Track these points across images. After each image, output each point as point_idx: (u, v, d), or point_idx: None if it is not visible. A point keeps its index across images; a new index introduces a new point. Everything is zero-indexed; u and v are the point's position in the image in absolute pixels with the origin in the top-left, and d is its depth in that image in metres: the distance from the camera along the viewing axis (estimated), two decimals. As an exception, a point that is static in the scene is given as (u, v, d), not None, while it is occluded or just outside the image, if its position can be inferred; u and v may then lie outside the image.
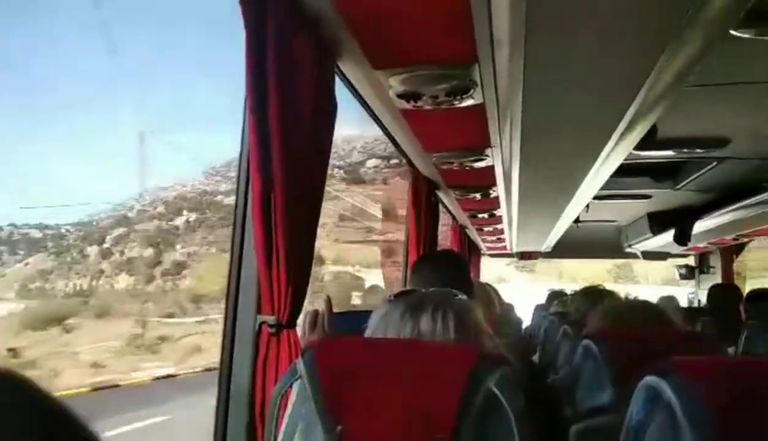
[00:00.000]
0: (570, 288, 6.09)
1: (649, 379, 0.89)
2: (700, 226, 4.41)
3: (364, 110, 2.02)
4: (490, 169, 2.84)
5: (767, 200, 3.31)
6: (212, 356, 21.10)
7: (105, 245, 36.27)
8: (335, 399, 0.96)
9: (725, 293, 4.42)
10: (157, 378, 18.42)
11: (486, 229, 5.22)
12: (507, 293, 2.95)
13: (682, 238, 4.56)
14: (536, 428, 0.97)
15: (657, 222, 4.93)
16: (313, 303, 1.48)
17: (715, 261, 5.95)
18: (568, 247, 6.15)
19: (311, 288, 1.42)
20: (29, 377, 0.42)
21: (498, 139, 2.28)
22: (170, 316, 28.71)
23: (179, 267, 34.86)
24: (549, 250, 6.40)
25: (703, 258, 6.25)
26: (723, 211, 3.88)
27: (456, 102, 1.79)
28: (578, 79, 1.54)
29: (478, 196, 3.58)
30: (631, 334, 1.63)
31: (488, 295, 2.67)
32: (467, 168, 2.78)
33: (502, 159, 2.59)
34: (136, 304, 29.54)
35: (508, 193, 3.31)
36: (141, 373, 19.66)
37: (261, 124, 1.27)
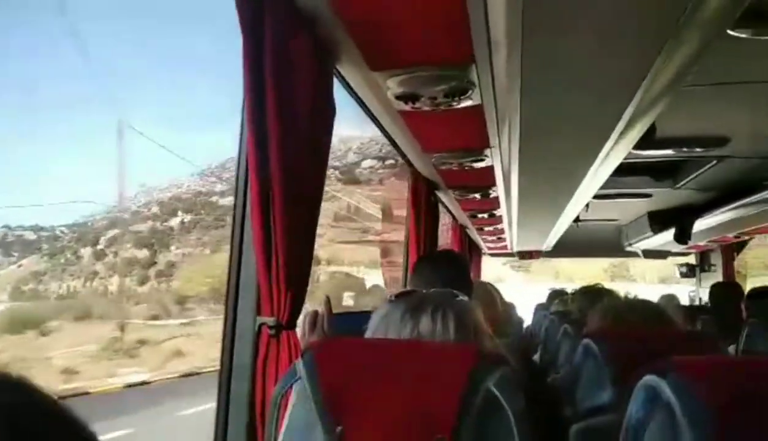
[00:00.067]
0: (566, 287, 6.10)
1: (649, 379, 0.89)
2: (700, 225, 4.41)
3: (363, 111, 2.03)
4: (490, 170, 2.84)
5: (767, 198, 3.31)
6: (195, 360, 20.56)
7: (99, 247, 36.16)
8: (335, 400, 0.96)
9: (727, 291, 4.41)
10: (130, 385, 17.09)
11: (486, 228, 5.22)
12: (503, 293, 2.95)
13: (682, 236, 4.56)
14: (536, 428, 0.97)
15: (657, 221, 4.93)
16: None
17: (716, 259, 5.95)
18: (569, 247, 6.16)
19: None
20: (28, 378, 0.42)
21: (497, 139, 2.28)
22: (155, 318, 28.04)
23: (171, 268, 34.70)
24: (549, 249, 6.40)
25: (703, 256, 6.25)
26: (723, 209, 3.88)
27: (454, 103, 1.80)
28: (576, 79, 1.54)
29: (477, 196, 3.58)
30: (631, 334, 1.63)
31: (490, 294, 2.67)
32: (466, 168, 2.78)
33: (501, 159, 2.59)
34: (121, 306, 28.70)
35: (507, 193, 3.31)
36: (116, 379, 18.27)
37: (259, 125, 1.27)
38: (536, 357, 3.74)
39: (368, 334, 1.14)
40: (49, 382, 18.18)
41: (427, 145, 2.48)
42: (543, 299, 6.07)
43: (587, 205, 3.82)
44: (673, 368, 0.87)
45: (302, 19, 1.33)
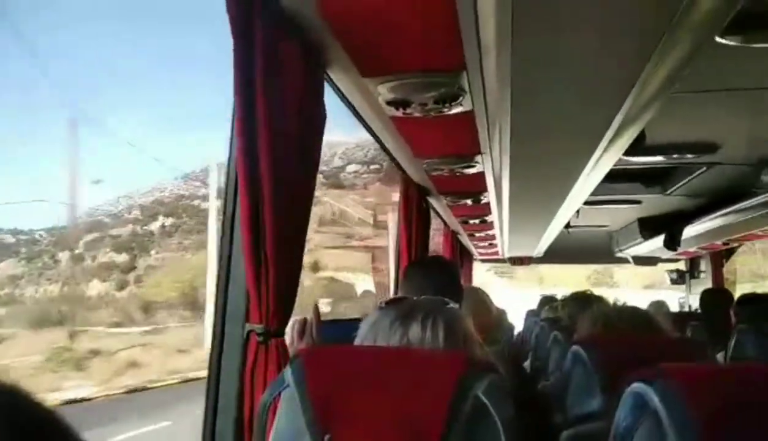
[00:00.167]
0: (550, 293, 6.12)
1: (636, 386, 0.89)
2: (690, 231, 4.43)
3: (354, 117, 2.03)
4: (481, 176, 2.84)
5: (756, 205, 3.33)
6: (150, 373, 19.01)
7: (77, 251, 35.70)
8: (323, 407, 0.96)
9: (717, 298, 4.43)
10: (69, 402, 14.83)
11: (478, 234, 5.23)
12: (488, 299, 2.97)
13: (671, 243, 4.59)
14: (526, 435, 0.97)
15: (647, 227, 4.95)
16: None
17: (706, 265, 5.98)
18: (560, 253, 6.17)
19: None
20: (20, 385, 0.41)
21: (488, 145, 2.29)
22: (118, 325, 25.89)
23: (149, 272, 34.07)
24: (541, 255, 6.42)
25: (693, 263, 6.28)
26: (712, 216, 3.90)
27: (445, 109, 1.80)
28: (566, 85, 1.54)
29: (469, 202, 3.59)
30: (621, 341, 1.63)
31: (482, 300, 2.66)
32: (458, 174, 2.79)
33: (492, 165, 2.60)
34: (82, 312, 26.74)
35: (498, 199, 3.32)
36: (57, 394, 15.59)
37: (249, 130, 1.27)
38: (527, 364, 3.75)
39: (358, 341, 1.14)
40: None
41: (419, 151, 2.48)
42: (527, 305, 6.10)
43: (578, 212, 3.83)
44: (660, 375, 0.87)
45: (292, 25, 1.33)
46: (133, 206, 39.95)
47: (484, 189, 3.22)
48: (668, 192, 3.69)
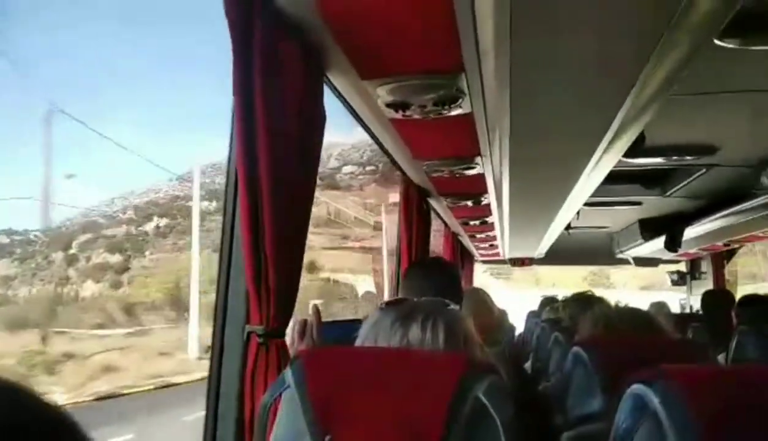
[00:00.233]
0: (548, 293, 6.12)
1: (636, 387, 0.89)
2: (690, 233, 4.44)
3: (354, 119, 2.03)
4: (481, 177, 2.85)
5: (756, 207, 3.34)
6: (127, 377, 17.90)
7: (71, 251, 35.47)
8: (324, 408, 0.96)
9: (718, 299, 4.43)
10: None
11: (478, 236, 5.23)
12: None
13: (672, 244, 4.59)
14: (526, 436, 0.97)
15: (648, 228, 4.96)
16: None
17: (706, 267, 5.98)
18: (561, 254, 6.18)
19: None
20: (30, 386, 0.41)
21: (487, 147, 2.29)
22: (100, 326, 24.49)
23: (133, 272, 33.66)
24: (541, 256, 6.42)
25: (694, 264, 6.28)
26: (712, 217, 3.90)
27: (444, 111, 1.80)
28: (565, 87, 1.55)
29: (469, 203, 3.59)
30: (621, 342, 1.63)
31: (484, 301, 2.66)
32: (458, 176, 2.79)
33: (492, 167, 2.60)
34: (65, 314, 25.36)
35: (498, 201, 3.32)
36: None
37: (248, 132, 1.27)
38: (528, 364, 3.75)
39: (359, 342, 1.14)
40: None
41: (418, 153, 2.48)
42: (524, 306, 6.10)
43: (578, 213, 3.83)
44: (660, 377, 0.87)
45: (291, 27, 1.34)
46: (128, 207, 39.87)
47: (485, 190, 3.23)
48: (668, 193, 3.69)
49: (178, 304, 26.74)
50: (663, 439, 0.82)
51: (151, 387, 17.05)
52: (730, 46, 1.46)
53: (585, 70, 1.45)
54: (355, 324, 1.18)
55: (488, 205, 3.62)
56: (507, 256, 6.71)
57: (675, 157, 2.81)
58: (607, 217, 4.91)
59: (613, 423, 0.94)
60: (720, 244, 5.04)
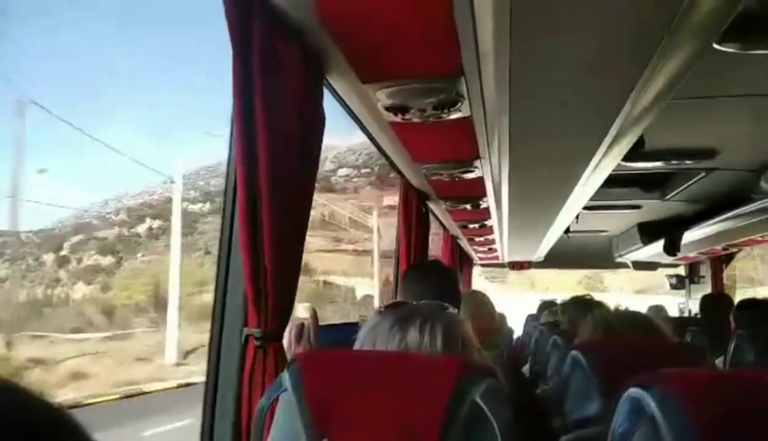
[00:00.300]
0: (544, 297, 6.12)
1: (633, 391, 0.89)
2: (689, 236, 4.44)
3: (353, 122, 2.03)
4: (480, 181, 2.85)
5: (755, 211, 3.34)
6: (97, 386, 16.75)
7: (62, 253, 35.31)
8: (321, 411, 0.96)
9: (716, 303, 4.43)
10: None
11: (477, 239, 5.23)
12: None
13: (671, 248, 4.59)
14: (524, 440, 0.97)
15: (647, 232, 4.96)
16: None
17: (705, 270, 5.98)
18: (560, 258, 6.19)
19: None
20: (27, 385, 0.40)
21: (486, 151, 2.29)
22: (78, 330, 23.16)
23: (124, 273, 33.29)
24: (540, 260, 6.43)
25: (693, 268, 6.28)
26: (712, 221, 3.90)
27: (444, 115, 1.80)
28: (564, 91, 1.55)
29: (468, 206, 3.58)
30: (620, 345, 1.63)
31: (483, 304, 2.66)
32: (457, 179, 2.79)
33: (492, 170, 2.60)
34: (39, 318, 23.89)
35: (498, 204, 3.32)
36: None
37: (248, 135, 1.27)
38: (526, 368, 3.75)
39: (357, 345, 1.14)
40: None
41: (418, 156, 2.48)
42: (519, 309, 6.10)
43: (577, 217, 3.84)
44: (657, 381, 0.87)
45: (291, 29, 1.34)
46: (120, 209, 39.80)
47: (484, 194, 3.22)
48: (667, 197, 3.70)
49: (164, 306, 26.25)
50: None
51: (117, 396, 15.61)
52: (730, 50, 1.46)
53: (585, 73, 1.45)
54: (352, 327, 1.17)
55: (487, 208, 3.62)
56: (506, 260, 6.71)
57: (674, 161, 2.81)
58: (606, 220, 4.91)
59: (610, 427, 0.93)
60: (719, 247, 5.04)
